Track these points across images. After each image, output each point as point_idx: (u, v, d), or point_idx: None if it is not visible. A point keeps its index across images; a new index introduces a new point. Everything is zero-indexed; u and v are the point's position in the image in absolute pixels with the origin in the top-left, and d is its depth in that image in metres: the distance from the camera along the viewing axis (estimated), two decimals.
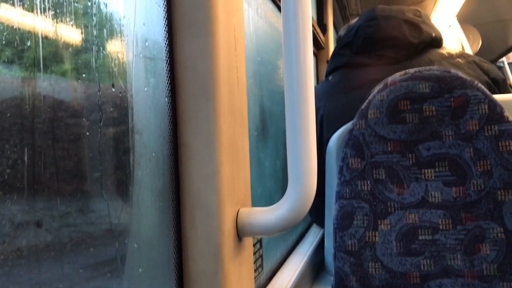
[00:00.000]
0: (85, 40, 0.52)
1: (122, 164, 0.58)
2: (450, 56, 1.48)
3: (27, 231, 0.44)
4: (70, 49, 0.50)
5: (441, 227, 1.03)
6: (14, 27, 0.42)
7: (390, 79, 1.12)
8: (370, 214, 1.06)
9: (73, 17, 0.50)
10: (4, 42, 0.41)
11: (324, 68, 2.48)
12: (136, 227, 0.60)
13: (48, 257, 0.46)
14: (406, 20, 1.51)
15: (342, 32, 1.75)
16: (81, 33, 0.52)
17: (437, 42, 1.54)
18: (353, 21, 1.73)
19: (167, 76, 0.65)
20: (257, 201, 1.07)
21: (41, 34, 0.45)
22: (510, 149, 1.02)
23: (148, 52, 0.63)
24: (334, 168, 1.28)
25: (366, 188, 1.07)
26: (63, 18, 0.49)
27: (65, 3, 0.49)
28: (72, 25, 0.50)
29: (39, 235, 0.45)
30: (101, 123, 0.53)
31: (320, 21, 2.57)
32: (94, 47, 0.53)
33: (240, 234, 0.68)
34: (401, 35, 1.48)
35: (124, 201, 0.58)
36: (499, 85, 1.49)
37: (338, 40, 1.77)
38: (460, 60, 1.47)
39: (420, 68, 1.12)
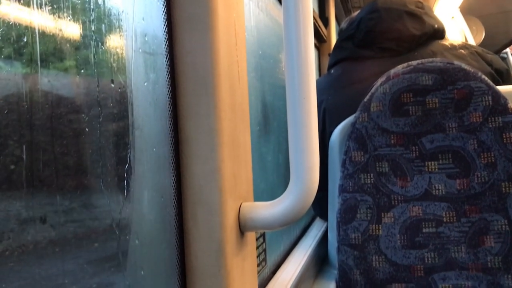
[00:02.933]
0: (83, 36, 0.52)
1: (123, 160, 0.58)
2: (453, 47, 1.47)
3: (31, 227, 0.44)
4: (68, 44, 0.49)
5: (445, 219, 1.03)
6: (11, 22, 0.42)
7: (392, 71, 1.11)
8: (373, 207, 1.06)
9: (71, 12, 0.49)
10: (0, 38, 0.41)
11: (326, 61, 2.47)
12: (138, 223, 0.60)
13: (52, 252, 0.46)
14: (408, 12, 1.50)
15: (344, 24, 1.74)
16: (80, 28, 0.51)
17: (439, 33, 1.53)
18: (355, 13, 1.71)
19: (167, 71, 0.65)
20: (259, 196, 1.06)
21: (38, 29, 0.45)
22: None
23: (148, 47, 0.63)
24: (337, 162, 1.27)
25: (369, 181, 1.07)
26: (61, 13, 0.48)
27: None
28: (70, 20, 0.49)
29: (42, 230, 0.45)
30: (101, 119, 0.53)
31: (322, 14, 2.56)
32: (92, 43, 0.53)
33: (242, 229, 0.68)
34: (403, 27, 1.47)
35: (125, 197, 0.57)
36: (503, 76, 1.48)
37: (340, 33, 1.76)
38: (463, 51, 1.46)
39: (423, 60, 1.12)
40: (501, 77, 1.47)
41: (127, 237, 0.58)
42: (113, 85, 0.56)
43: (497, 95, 1.04)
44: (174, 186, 0.65)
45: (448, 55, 1.43)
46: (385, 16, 1.50)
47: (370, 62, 1.50)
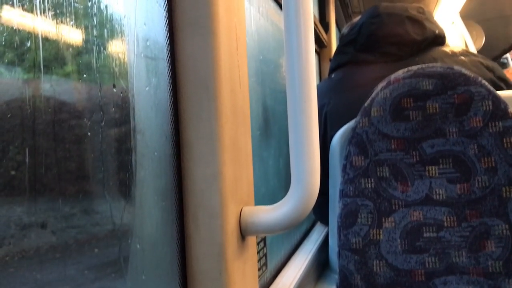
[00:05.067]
0: (85, 41, 0.52)
1: (124, 165, 0.58)
2: (454, 54, 1.48)
3: (32, 233, 0.44)
4: (70, 50, 0.50)
5: (445, 224, 1.03)
6: (14, 28, 0.42)
7: (393, 76, 1.12)
8: (374, 212, 1.06)
9: (73, 17, 0.50)
10: (4, 44, 0.41)
11: (326, 66, 2.48)
12: (139, 227, 0.60)
13: (53, 258, 0.47)
14: (409, 17, 1.50)
15: (345, 30, 1.74)
16: (82, 33, 0.52)
17: (440, 39, 1.53)
18: (356, 19, 1.72)
19: (168, 76, 0.65)
20: (260, 200, 1.07)
21: (41, 35, 0.45)
22: None
23: (149, 51, 0.63)
24: (338, 166, 1.27)
25: (370, 186, 1.07)
26: (64, 19, 0.48)
27: (65, 4, 0.49)
28: (72, 25, 0.50)
29: (44, 236, 0.45)
30: (103, 124, 0.53)
31: (322, 19, 2.57)
32: (95, 48, 0.53)
33: (243, 233, 0.68)
34: (404, 32, 1.48)
35: (126, 201, 0.58)
36: (508, 82, 1.48)
37: (341, 38, 1.77)
38: (463, 58, 1.46)
39: (423, 65, 1.12)
40: (505, 84, 1.47)
41: (129, 241, 0.58)
42: (115, 90, 0.56)
43: (497, 100, 1.04)
44: (175, 190, 0.65)
45: (449, 62, 1.43)
46: (386, 21, 1.50)
47: (371, 66, 1.51)
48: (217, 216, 0.63)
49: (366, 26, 1.53)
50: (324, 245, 1.53)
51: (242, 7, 0.74)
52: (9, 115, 0.41)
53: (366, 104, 1.11)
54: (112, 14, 0.57)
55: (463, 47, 2.98)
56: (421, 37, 1.48)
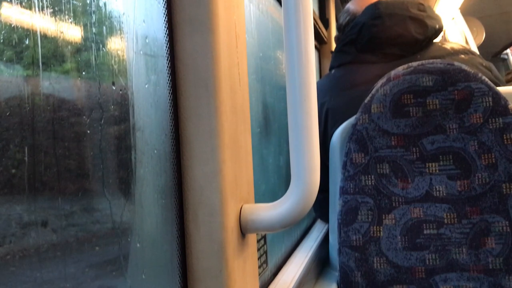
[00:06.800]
0: (84, 38, 0.52)
1: (124, 162, 0.58)
2: (454, 52, 1.48)
3: (32, 231, 0.44)
4: (69, 47, 0.50)
5: (446, 221, 1.03)
6: (12, 25, 0.42)
7: (393, 73, 1.12)
8: (374, 209, 1.06)
9: (72, 14, 0.50)
10: (2, 41, 0.41)
11: (327, 63, 2.48)
12: (139, 225, 0.60)
13: (53, 256, 0.46)
14: (411, 17, 1.49)
15: (342, 20, 1.73)
16: (81, 31, 0.51)
17: (439, 32, 1.53)
18: (351, 5, 1.71)
19: (167, 73, 0.65)
20: (260, 198, 1.06)
21: (40, 32, 0.45)
22: None
23: (149, 49, 0.63)
24: (338, 163, 1.27)
25: (370, 183, 1.07)
26: (62, 16, 0.48)
27: (64, 1, 0.48)
28: (71, 22, 0.50)
29: (44, 234, 0.45)
30: (102, 121, 0.53)
31: (322, 16, 2.56)
32: (93, 45, 0.53)
33: (243, 230, 0.68)
34: (406, 32, 1.47)
35: (126, 199, 0.57)
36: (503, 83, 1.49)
37: (339, 29, 1.76)
38: (463, 56, 1.46)
39: (423, 62, 1.12)
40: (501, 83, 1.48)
41: (129, 239, 0.58)
42: (114, 88, 0.56)
43: (498, 96, 1.04)
44: (175, 187, 0.65)
45: (449, 60, 1.43)
46: (388, 22, 1.49)
47: (373, 65, 1.50)
48: (217, 213, 0.63)
49: (367, 28, 1.51)
50: (324, 242, 1.53)
51: (241, 4, 0.73)
52: (8, 113, 0.41)
53: (366, 101, 1.11)
54: (111, 11, 0.57)
55: (464, 43, 2.98)
56: (423, 36, 1.47)
